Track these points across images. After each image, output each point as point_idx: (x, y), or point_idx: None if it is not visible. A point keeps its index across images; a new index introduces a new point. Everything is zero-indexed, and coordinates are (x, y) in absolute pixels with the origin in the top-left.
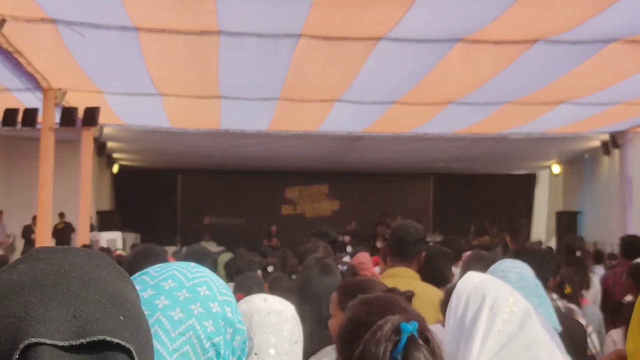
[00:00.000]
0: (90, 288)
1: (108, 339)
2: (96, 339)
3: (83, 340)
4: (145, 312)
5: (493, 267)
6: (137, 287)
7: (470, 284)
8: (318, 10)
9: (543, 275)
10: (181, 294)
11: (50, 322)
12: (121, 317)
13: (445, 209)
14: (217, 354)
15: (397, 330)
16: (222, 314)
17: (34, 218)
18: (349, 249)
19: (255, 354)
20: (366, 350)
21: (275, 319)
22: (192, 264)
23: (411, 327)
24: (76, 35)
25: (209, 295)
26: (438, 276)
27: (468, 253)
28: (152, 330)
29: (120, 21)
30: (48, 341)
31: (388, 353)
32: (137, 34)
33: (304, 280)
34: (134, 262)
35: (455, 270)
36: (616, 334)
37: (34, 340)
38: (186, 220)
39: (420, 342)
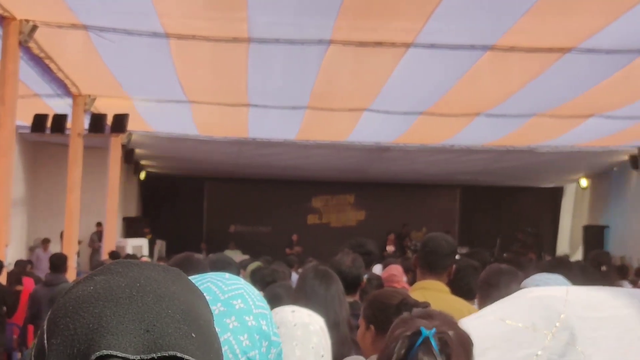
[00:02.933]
0: (164, 303)
1: (179, 354)
2: (167, 354)
3: (154, 355)
4: None
5: (527, 280)
6: None
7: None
8: (344, 19)
9: None
10: (216, 308)
11: (123, 335)
12: (193, 334)
13: (471, 221)
14: None
15: (417, 332)
16: (258, 328)
17: None
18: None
19: None
20: (387, 345)
21: (302, 331)
22: (227, 275)
23: (430, 332)
24: (107, 42)
25: (244, 308)
26: (466, 289)
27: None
28: None
29: (152, 27)
30: (119, 354)
31: (402, 351)
32: (167, 41)
33: (309, 292)
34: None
35: None
36: None
37: (105, 352)
38: (212, 228)
39: (435, 347)
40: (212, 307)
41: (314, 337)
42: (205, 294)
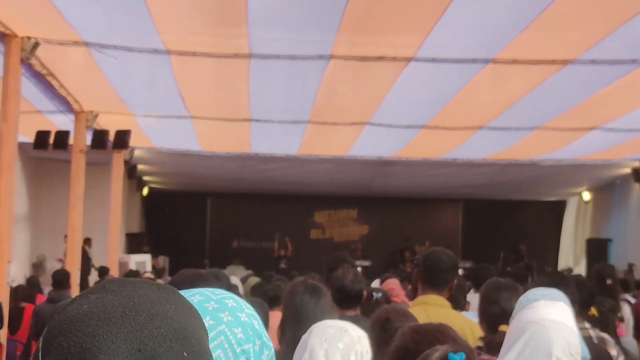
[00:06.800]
0: (156, 322)
1: None
2: None
3: None
4: None
5: (522, 297)
6: None
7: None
8: (345, 34)
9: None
10: (210, 305)
11: (115, 354)
12: (185, 353)
13: (474, 235)
14: None
15: (445, 358)
16: (250, 324)
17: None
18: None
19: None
20: None
21: (334, 330)
22: (216, 290)
23: (458, 357)
24: (109, 58)
25: (236, 306)
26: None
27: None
28: None
29: (153, 44)
30: None
31: None
32: (169, 57)
33: (299, 306)
34: (184, 285)
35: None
36: None
37: None
38: (215, 243)
39: None
40: (206, 305)
41: (345, 338)
42: (198, 296)
